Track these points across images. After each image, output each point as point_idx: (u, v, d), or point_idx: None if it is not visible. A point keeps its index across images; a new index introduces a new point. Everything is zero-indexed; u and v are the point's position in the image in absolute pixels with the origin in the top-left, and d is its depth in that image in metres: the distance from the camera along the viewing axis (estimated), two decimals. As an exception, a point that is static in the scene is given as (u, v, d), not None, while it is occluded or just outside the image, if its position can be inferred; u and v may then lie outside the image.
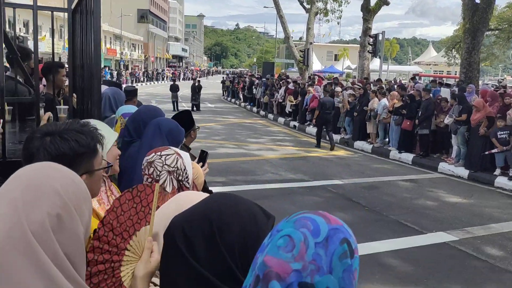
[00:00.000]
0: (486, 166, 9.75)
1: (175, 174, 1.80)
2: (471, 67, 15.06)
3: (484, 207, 7.69)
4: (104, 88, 3.97)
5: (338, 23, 32.31)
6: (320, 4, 25.67)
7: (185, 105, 23.36)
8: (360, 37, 22.14)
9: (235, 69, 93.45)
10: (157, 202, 1.73)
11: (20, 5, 4.48)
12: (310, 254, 0.79)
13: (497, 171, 9.41)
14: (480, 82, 18.96)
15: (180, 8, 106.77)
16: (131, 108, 3.36)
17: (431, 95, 11.50)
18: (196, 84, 22.74)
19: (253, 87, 23.89)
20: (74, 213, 0.91)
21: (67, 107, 3.53)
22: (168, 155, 1.82)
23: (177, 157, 1.83)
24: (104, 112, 3.69)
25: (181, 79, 56.42)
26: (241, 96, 27.01)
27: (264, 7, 47.32)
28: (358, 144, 13.26)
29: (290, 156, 11.63)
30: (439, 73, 41.23)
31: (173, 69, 69.48)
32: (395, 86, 15.47)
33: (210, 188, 3.13)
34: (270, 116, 20.13)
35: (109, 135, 2.04)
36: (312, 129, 14.68)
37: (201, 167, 2.56)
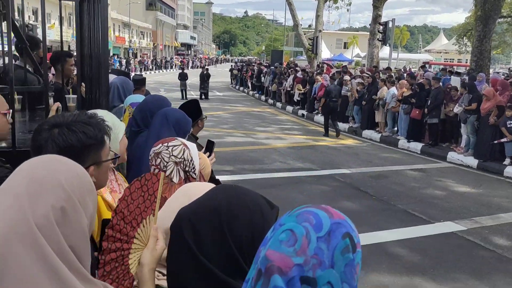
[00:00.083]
0: (496, 155, 9.67)
1: (182, 165, 1.82)
2: (482, 55, 14.85)
3: (493, 197, 7.64)
4: (112, 77, 3.99)
5: (347, 10, 31.99)
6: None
7: (193, 94, 23.37)
8: (370, 24, 21.90)
9: (244, 57, 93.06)
10: (164, 193, 1.75)
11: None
12: (312, 248, 0.79)
13: (507, 161, 9.34)
14: (491, 70, 18.73)
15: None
16: (139, 98, 3.37)
17: (440, 83, 11.39)
18: (205, 72, 22.71)
19: (262, 75, 23.80)
20: (78, 206, 0.92)
21: (75, 96, 3.55)
22: (175, 146, 1.83)
23: (184, 148, 1.84)
24: (113, 102, 3.72)
25: (189, 67, 56.34)
26: (249, 85, 26.94)
27: (273, -6, 46.85)
28: (367, 133, 13.21)
29: (298, 145, 11.62)
30: (450, 61, 40.77)
31: (182, 57, 69.36)
32: (405, 74, 15.32)
33: (217, 178, 3.14)
34: (279, 104, 20.08)
35: (119, 124, 2.07)
36: (321, 118, 14.63)
37: (208, 157, 2.57)
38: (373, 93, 12.96)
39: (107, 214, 1.85)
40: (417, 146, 11.37)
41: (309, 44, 25.20)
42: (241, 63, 36.00)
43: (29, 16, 27.37)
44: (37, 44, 4.35)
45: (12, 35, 3.20)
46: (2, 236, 0.83)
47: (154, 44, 70.76)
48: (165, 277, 1.35)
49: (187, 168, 1.83)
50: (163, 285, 1.32)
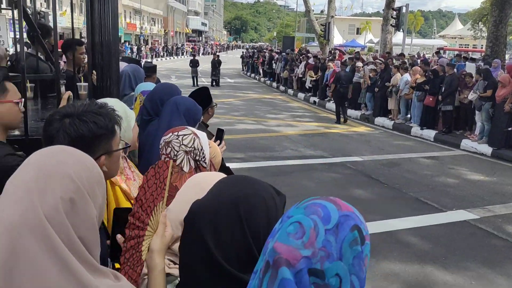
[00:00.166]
0: (510, 143, 9.54)
1: (192, 154, 1.81)
2: (498, 41, 14.58)
3: (507, 185, 7.56)
4: (123, 65, 3.99)
5: (360, -4, 31.51)
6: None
7: (204, 81, 23.36)
8: (383, 10, 21.58)
9: (255, 43, 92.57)
10: (175, 182, 1.76)
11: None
12: (320, 241, 0.79)
13: (522, 149, 9.22)
14: (506, 56, 18.37)
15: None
16: (150, 86, 3.37)
17: (455, 70, 11.22)
18: (216, 59, 22.66)
19: (273, 62, 23.68)
20: (87, 197, 0.93)
21: (87, 84, 3.56)
22: (185, 135, 1.83)
23: (194, 137, 1.83)
24: (124, 90, 3.72)
25: (200, 53, 56.24)
26: (260, 71, 26.83)
27: (285, -21, 46.37)
28: (379, 120, 13.11)
29: (310, 132, 11.58)
30: (465, 47, 40.07)
31: (193, 43, 69.22)
32: (418, 61, 15.12)
33: (228, 165, 3.14)
34: (290, 91, 19.98)
35: (131, 112, 2.08)
36: (332, 105, 14.56)
37: (218, 145, 2.57)
38: (386, 80, 12.83)
39: (125, 204, 1.87)
40: (430, 133, 11.26)
41: (321, 30, 24.96)
42: (252, 50, 35.82)
43: (40, 3, 27.46)
44: (48, 32, 4.36)
45: (24, 23, 3.21)
46: (12, 227, 0.84)
47: (165, 30, 70.65)
48: (177, 266, 1.36)
49: (197, 157, 1.83)
50: (175, 274, 1.34)
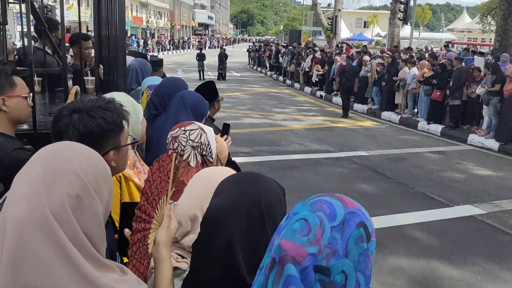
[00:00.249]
0: (518, 138, 9.48)
1: (199, 149, 1.82)
2: (507, 35, 14.42)
3: (514, 181, 7.52)
4: (130, 59, 4.00)
5: (368, -11, 31.29)
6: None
7: (211, 74, 23.35)
8: (390, 3, 21.41)
9: (262, 37, 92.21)
10: (182, 176, 1.78)
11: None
12: (326, 238, 0.79)
13: (530, 144, 9.15)
14: (516, 50, 18.16)
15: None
16: (157, 80, 3.38)
17: (463, 64, 11.13)
18: (222, 52, 22.62)
19: (280, 55, 23.61)
20: (93, 193, 0.94)
21: (94, 78, 3.58)
22: (192, 130, 1.84)
23: (201, 132, 1.84)
24: (131, 85, 3.73)
25: (207, 47, 56.15)
26: (267, 65, 26.77)
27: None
28: (386, 114, 13.05)
29: (316, 126, 11.56)
30: (473, 41, 39.71)
31: (199, 37, 69.13)
32: (426, 54, 15.01)
33: (234, 159, 3.15)
34: (297, 85, 19.93)
35: (139, 106, 2.10)
36: (339, 99, 14.51)
37: (225, 140, 2.58)
38: (393, 74, 12.76)
39: (139, 198, 1.90)
40: (437, 128, 11.20)
41: (328, 23, 24.83)
42: (259, 43, 35.72)
43: (48, -3, 27.49)
44: (55, 26, 4.38)
45: (31, 17, 3.22)
46: (20, 223, 0.85)
47: (171, 24, 70.57)
48: (185, 260, 1.37)
49: (204, 152, 1.84)
50: (182, 267, 1.35)
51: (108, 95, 2.06)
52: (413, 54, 14.35)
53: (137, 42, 39.92)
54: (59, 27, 4.19)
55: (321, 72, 17.24)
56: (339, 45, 21.13)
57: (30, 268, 0.84)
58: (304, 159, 8.28)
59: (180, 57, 40.11)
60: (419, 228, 5.39)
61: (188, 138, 1.81)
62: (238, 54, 43.20)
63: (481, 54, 13.81)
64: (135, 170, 2.01)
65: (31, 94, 2.14)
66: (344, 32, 37.52)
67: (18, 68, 2.97)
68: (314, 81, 18.04)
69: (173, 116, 2.50)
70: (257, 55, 30.10)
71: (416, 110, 12.40)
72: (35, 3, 4.22)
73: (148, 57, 5.63)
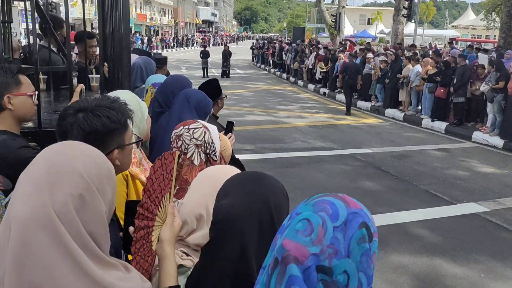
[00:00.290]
0: (523, 136, 9.44)
1: (202, 148, 1.83)
2: (511, 32, 14.34)
3: (518, 178, 7.50)
4: (134, 57, 4.01)
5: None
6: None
7: (214, 72, 23.35)
8: (395, 0, 21.32)
9: (265, 34, 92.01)
10: (185, 175, 1.79)
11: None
12: (328, 238, 0.80)
13: (534, 141, 9.11)
14: (521, 47, 18.05)
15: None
16: (161, 78, 3.39)
17: (467, 61, 11.09)
18: (226, 50, 22.59)
19: (283, 53, 23.57)
20: (96, 193, 0.95)
21: (98, 76, 3.59)
22: (195, 128, 1.85)
23: (205, 131, 1.85)
24: (135, 83, 3.75)
25: (210, 44, 56.09)
26: (270, 62, 26.75)
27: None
28: (389, 112, 13.02)
29: (320, 123, 11.56)
30: (477, 38, 39.52)
31: (203, 34, 69.07)
32: (430, 52, 14.96)
33: (237, 157, 3.16)
34: (300, 82, 19.91)
35: (143, 104, 2.12)
36: (343, 96, 14.49)
37: (229, 138, 2.59)
38: (397, 71, 12.73)
39: None
40: (441, 125, 11.18)
41: (331, 20, 24.75)
42: (262, 41, 35.67)
43: (52, -6, 27.50)
44: (60, 24, 4.39)
45: (36, 15, 3.24)
46: (24, 223, 0.87)
47: (175, 21, 70.55)
48: (189, 257, 1.39)
49: (208, 151, 1.85)
50: (187, 265, 1.37)
51: (113, 93, 2.08)
52: (417, 51, 14.29)
53: (141, 40, 39.91)
54: (64, 25, 4.21)
55: (324, 70, 17.21)
56: (343, 42, 21.09)
57: (34, 268, 0.85)
58: (308, 156, 8.29)
59: (184, 55, 40.11)
60: (422, 226, 5.39)
61: (192, 137, 1.82)
62: (242, 52, 43.16)
63: (485, 51, 13.75)
64: (141, 168, 2.02)
65: (37, 92, 2.15)
66: (348, 29, 37.43)
67: (23, 66, 2.99)
68: (317, 78, 18.01)
69: (177, 114, 2.51)
70: (260, 53, 30.06)
71: (420, 107, 12.37)
72: (39, 0, 4.23)
73: (152, 54, 5.64)
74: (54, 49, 4.16)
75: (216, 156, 1.87)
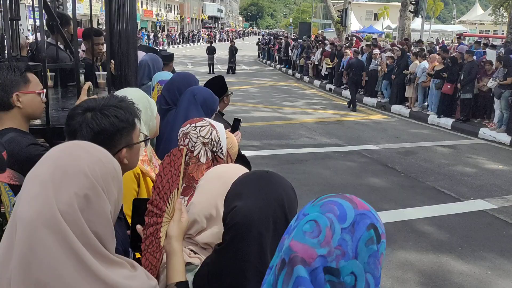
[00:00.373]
0: (531, 132, 9.38)
1: (209, 146, 1.84)
2: (520, 27, 14.22)
3: (526, 175, 7.45)
4: (141, 54, 4.01)
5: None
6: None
7: (220, 68, 23.34)
8: (401, -5, 21.16)
9: (271, 29, 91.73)
10: (192, 172, 1.80)
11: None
12: (336, 239, 0.80)
13: (542, 138, 9.04)
14: (529, 42, 17.88)
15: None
16: (167, 75, 3.40)
17: (474, 57, 11.01)
18: (233, 45, 22.56)
19: (289, 49, 23.51)
20: (101, 193, 0.96)
21: (105, 73, 3.60)
22: (202, 126, 1.85)
23: (212, 129, 1.86)
24: (142, 80, 3.76)
25: (216, 40, 56.02)
26: (276, 58, 26.69)
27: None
28: (396, 108, 12.97)
29: (325, 120, 11.53)
30: (485, 33, 39.16)
31: (209, 30, 69.00)
32: (437, 47, 14.85)
33: (243, 153, 3.16)
34: (306, 78, 19.86)
35: (152, 101, 2.13)
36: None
37: (235, 135, 2.59)
38: (403, 67, 12.66)
39: None
40: (447, 121, 11.12)
41: (338, 16, 24.63)
42: (268, 36, 35.58)
43: (58, -9, 27.56)
44: (67, 21, 4.40)
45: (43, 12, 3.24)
46: (29, 223, 0.88)
47: (181, 17, 70.49)
48: (196, 255, 1.40)
49: (214, 149, 1.85)
50: (195, 263, 1.38)
51: (122, 91, 2.09)
52: (424, 47, 14.20)
53: (148, 36, 39.94)
54: (71, 22, 4.22)
55: (330, 66, 17.15)
56: (349, 38, 20.98)
57: (40, 267, 0.86)
58: (313, 152, 8.28)
59: (190, 51, 40.10)
60: (429, 223, 5.37)
61: (198, 135, 1.83)
62: (248, 47, 43.08)
63: (493, 46, 13.64)
64: (152, 165, 2.04)
65: (45, 90, 2.17)
66: (354, 24, 37.22)
67: (31, 63, 3.00)
68: (323, 75, 17.95)
69: (183, 111, 2.52)
70: (266, 49, 30.00)
71: (426, 103, 12.31)
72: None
73: (158, 50, 5.64)
74: (61, 46, 4.18)
75: (223, 154, 1.88)
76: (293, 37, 28.14)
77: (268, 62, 28.81)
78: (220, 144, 1.86)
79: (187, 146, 1.83)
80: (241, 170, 1.43)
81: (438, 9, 54.83)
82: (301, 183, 6.24)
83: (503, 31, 31.15)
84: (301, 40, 22.31)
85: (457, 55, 11.23)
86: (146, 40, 36.02)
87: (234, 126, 2.81)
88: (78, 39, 3.59)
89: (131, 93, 1.96)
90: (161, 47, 31.68)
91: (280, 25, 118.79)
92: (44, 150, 1.91)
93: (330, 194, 0.89)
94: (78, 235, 0.89)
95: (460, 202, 6.10)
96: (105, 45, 4.13)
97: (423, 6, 18.96)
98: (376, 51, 14.20)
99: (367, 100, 14.25)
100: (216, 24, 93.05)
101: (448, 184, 6.78)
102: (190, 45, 51.45)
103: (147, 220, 1.38)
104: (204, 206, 1.40)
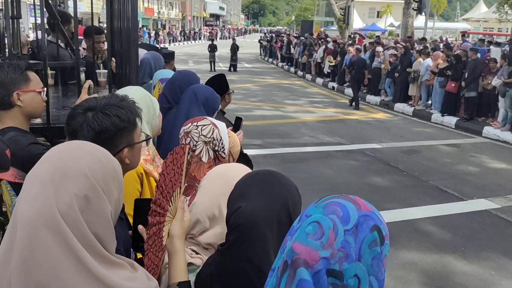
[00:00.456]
0: (534, 130, 9.33)
1: (211, 144, 1.82)
2: (524, 25, 14.14)
3: (530, 174, 7.41)
4: (143, 52, 3.99)
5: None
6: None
7: (222, 66, 23.32)
8: (404, -8, 21.07)
9: (273, 27, 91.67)
10: (194, 172, 1.78)
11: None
12: (339, 241, 0.78)
13: (546, 136, 8.99)
14: (533, 40, 17.79)
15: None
16: (168, 73, 3.38)
17: (478, 55, 10.95)
18: (234, 43, 22.54)
19: (291, 46, 23.46)
20: (101, 193, 0.95)
21: (106, 71, 3.58)
22: (204, 125, 1.84)
23: (213, 128, 1.84)
24: (143, 78, 3.74)
25: (218, 38, 56.00)
26: (278, 56, 26.65)
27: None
28: (399, 106, 12.92)
29: (328, 118, 11.50)
30: (489, 31, 39.04)
31: (210, 28, 68.98)
32: (441, 45, 14.79)
33: (245, 151, 3.14)
34: (308, 77, 19.82)
35: (154, 100, 2.11)
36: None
37: (237, 134, 2.57)
38: (406, 65, 12.61)
39: None
40: (451, 120, 11.07)
41: (340, 13, 24.57)
42: (270, 34, 35.53)
43: (60, -12, 27.57)
44: (68, 20, 4.39)
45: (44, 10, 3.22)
46: (29, 224, 0.87)
47: (183, 15, 70.48)
48: (198, 255, 1.38)
49: (216, 148, 1.84)
50: (196, 263, 1.36)
51: (124, 89, 2.08)
52: (427, 45, 14.14)
53: (149, 34, 39.93)
54: (72, 20, 4.20)
55: (333, 63, 17.10)
56: (352, 35, 20.92)
57: (40, 268, 0.86)
58: (316, 151, 8.25)
59: (191, 48, 40.09)
60: (432, 222, 5.35)
61: (200, 133, 1.81)
62: (250, 45, 43.03)
63: (498, 44, 13.58)
64: (154, 164, 2.02)
65: (45, 88, 2.15)
66: (357, 22, 37.13)
67: (31, 61, 2.99)
68: (326, 72, 17.92)
69: (185, 110, 2.50)
70: (268, 46, 29.96)
71: (430, 102, 12.25)
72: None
73: (159, 48, 5.62)
74: (62, 44, 4.17)
75: (224, 153, 1.86)
76: (295, 35, 28.08)
77: (270, 60, 28.78)
78: (222, 143, 1.84)
79: (188, 145, 1.81)
80: (244, 169, 1.42)
81: (442, 6, 54.59)
82: (304, 182, 6.21)
83: (507, 28, 31.06)
84: (303, 38, 22.26)
85: (461, 53, 11.18)
86: (147, 38, 36.00)
87: (236, 124, 2.78)
88: (79, 37, 3.57)
89: (133, 92, 1.95)
90: (162, 45, 31.66)
91: (282, 23, 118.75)
92: (45, 149, 1.89)
93: (333, 195, 0.87)
94: (78, 236, 0.89)
95: (463, 201, 6.07)
96: (106, 43, 4.11)
97: (427, 4, 18.87)
98: (379, 48, 14.15)
99: (370, 98, 14.21)
100: (218, 22, 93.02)
101: (452, 183, 6.75)
102: (191, 42, 51.45)
103: (150, 220, 1.37)
104: (206, 206, 1.38)
